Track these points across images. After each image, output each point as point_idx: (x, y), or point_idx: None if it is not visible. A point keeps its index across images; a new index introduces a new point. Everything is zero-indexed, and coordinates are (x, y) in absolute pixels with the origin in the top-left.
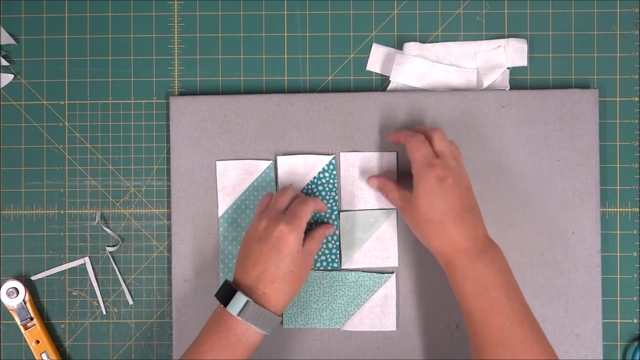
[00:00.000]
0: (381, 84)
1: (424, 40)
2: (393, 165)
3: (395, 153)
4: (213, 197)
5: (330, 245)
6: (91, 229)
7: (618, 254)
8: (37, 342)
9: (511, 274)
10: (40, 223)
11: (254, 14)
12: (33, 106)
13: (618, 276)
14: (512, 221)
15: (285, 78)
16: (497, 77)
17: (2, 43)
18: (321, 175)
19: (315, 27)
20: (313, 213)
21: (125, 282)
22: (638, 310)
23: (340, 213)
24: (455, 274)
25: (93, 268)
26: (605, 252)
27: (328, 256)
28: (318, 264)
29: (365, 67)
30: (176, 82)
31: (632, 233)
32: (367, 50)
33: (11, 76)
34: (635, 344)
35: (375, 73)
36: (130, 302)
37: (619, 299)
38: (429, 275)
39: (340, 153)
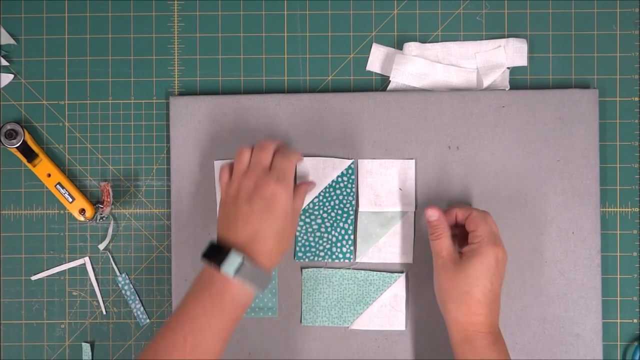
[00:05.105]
0: (381, 84)
1: (424, 40)
2: (412, 172)
3: (413, 160)
4: (213, 197)
5: (346, 238)
6: (91, 229)
7: (618, 254)
8: (49, 175)
9: None
10: (40, 223)
11: (254, 14)
12: (33, 106)
13: (618, 276)
14: (512, 221)
15: (285, 78)
16: (497, 77)
17: (2, 43)
18: (339, 179)
19: (315, 27)
20: (329, 213)
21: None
22: (638, 310)
23: (358, 210)
24: (469, 352)
25: (93, 268)
26: (605, 252)
27: (343, 248)
28: (333, 257)
29: (365, 67)
30: (176, 82)
31: (632, 233)
32: (367, 50)
33: (11, 76)
34: (635, 344)
35: (375, 73)
36: None
37: (619, 299)
38: None
39: (359, 160)
